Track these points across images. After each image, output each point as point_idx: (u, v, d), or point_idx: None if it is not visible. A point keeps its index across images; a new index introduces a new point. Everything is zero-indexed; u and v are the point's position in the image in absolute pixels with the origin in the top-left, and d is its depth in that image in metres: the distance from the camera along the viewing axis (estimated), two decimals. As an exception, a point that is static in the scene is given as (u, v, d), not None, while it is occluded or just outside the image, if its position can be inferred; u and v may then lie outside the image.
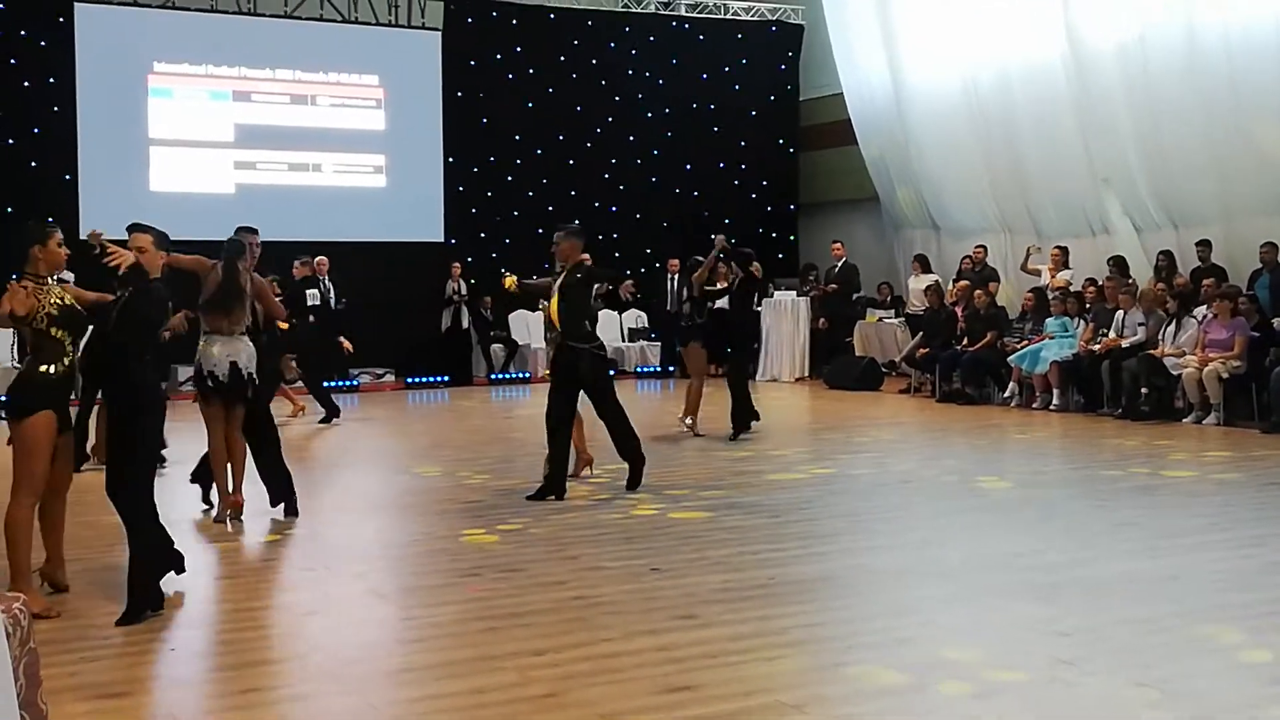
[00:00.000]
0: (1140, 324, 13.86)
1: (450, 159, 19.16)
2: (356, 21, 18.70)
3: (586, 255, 9.27)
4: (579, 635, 5.57)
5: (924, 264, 18.29)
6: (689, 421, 12.36)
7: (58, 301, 6.08)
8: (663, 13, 20.97)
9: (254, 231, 8.68)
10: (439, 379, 18.27)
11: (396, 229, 18.58)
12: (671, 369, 19.53)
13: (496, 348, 19.03)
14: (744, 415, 12.25)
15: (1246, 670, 5.03)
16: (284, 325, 10.39)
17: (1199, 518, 8.16)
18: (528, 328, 19.53)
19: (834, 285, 19.21)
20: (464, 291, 18.63)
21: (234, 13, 17.88)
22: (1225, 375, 12.61)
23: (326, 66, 18.55)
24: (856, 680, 5.00)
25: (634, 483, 9.26)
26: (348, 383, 17.38)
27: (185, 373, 13.13)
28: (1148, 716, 4.53)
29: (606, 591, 6.33)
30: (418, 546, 7.58)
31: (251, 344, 8.24)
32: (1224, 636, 5.45)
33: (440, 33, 19.05)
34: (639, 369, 19.74)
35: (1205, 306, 13.39)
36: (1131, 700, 4.70)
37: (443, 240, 19.04)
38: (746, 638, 5.50)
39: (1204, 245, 14.80)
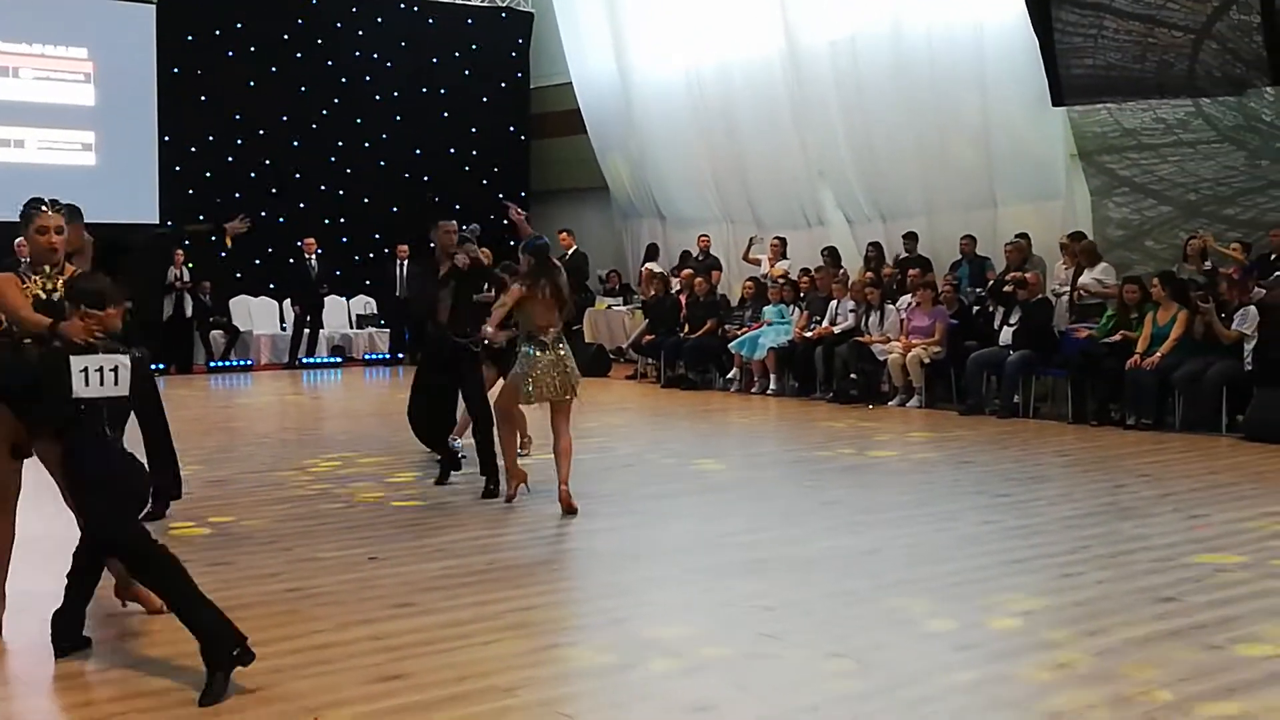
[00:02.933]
0: (851, 311, 14.52)
1: (166, 137, 18.38)
2: (64, -10, 17.73)
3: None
4: (290, 628, 5.45)
5: (652, 253, 18.74)
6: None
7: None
8: (391, -6, 20.65)
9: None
10: (157, 367, 17.50)
11: (108, 209, 17.49)
12: (401, 355, 19.31)
13: (216, 334, 18.39)
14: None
15: (936, 638, 5.33)
16: None
17: (900, 495, 8.62)
18: (249, 314, 18.97)
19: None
20: (186, 278, 17.93)
21: (-75, -25, 16.70)
22: (927, 360, 13.35)
23: (30, 37, 17.53)
24: (569, 661, 5.08)
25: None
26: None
27: None
28: (843, 685, 4.76)
29: (321, 582, 6.22)
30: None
31: None
32: (916, 607, 5.77)
33: (154, 6, 18.24)
34: (366, 355, 19.43)
35: (910, 295, 14.13)
36: (829, 670, 4.93)
37: (158, 222, 18.25)
38: (463, 624, 5.50)
39: (910, 237, 15.63)
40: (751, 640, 5.30)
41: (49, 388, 4.97)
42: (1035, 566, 6.56)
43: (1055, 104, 14.05)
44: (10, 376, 5.27)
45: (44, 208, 5.41)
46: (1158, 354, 11.58)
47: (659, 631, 5.41)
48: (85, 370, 4.91)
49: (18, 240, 15.54)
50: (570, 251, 19.44)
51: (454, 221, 9.11)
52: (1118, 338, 12.05)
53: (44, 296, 5.33)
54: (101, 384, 4.94)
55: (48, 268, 5.41)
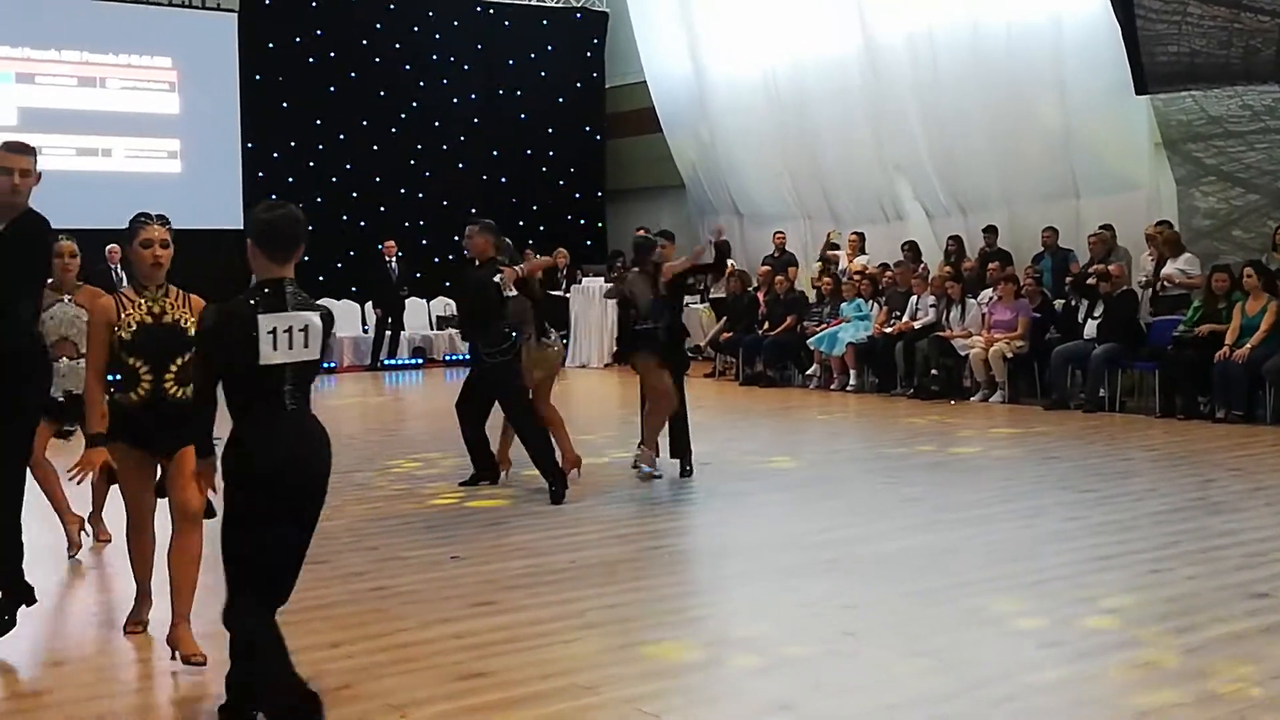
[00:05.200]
0: (932, 306, 14.39)
1: (249, 144, 18.70)
2: (147, 1, 18.09)
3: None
4: (375, 626, 5.53)
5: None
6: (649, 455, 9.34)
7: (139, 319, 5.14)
8: (467, -2, 20.83)
9: None
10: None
11: (193, 216, 17.90)
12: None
13: (300, 337, 18.65)
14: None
15: (1017, 637, 5.28)
16: None
17: (981, 492, 8.53)
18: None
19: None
20: (269, 281, 18.21)
21: (16, -10, 17.13)
22: (1010, 355, 13.19)
23: (116, 48, 17.92)
24: (650, 660, 5.08)
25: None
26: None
27: None
28: (923, 684, 4.72)
29: (406, 581, 6.30)
30: (207, 543, 7.35)
31: None
32: (997, 605, 5.70)
33: (236, 14, 18.56)
34: (447, 357, 19.60)
35: (991, 289, 13.98)
36: (909, 669, 4.89)
37: (242, 228, 18.55)
38: (545, 622, 5.54)
39: (990, 231, 15.45)
40: (832, 638, 5.28)
41: (221, 356, 4.14)
42: (1123, 563, 6.46)
43: (1139, 92, 13.81)
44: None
45: (150, 221, 5.19)
46: (1248, 345, 11.35)
47: (739, 629, 5.41)
48: (274, 331, 4.09)
49: (109, 246, 15.86)
50: (647, 250, 19.48)
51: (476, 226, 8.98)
52: (1204, 330, 11.81)
53: (150, 321, 5.14)
54: (290, 347, 4.11)
55: (153, 287, 5.19)
